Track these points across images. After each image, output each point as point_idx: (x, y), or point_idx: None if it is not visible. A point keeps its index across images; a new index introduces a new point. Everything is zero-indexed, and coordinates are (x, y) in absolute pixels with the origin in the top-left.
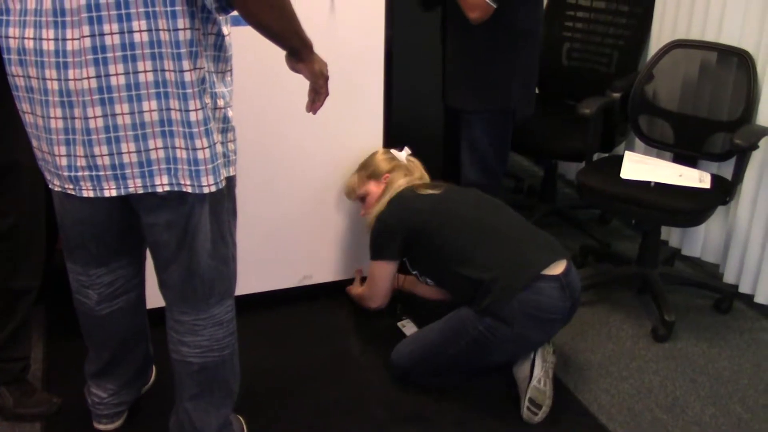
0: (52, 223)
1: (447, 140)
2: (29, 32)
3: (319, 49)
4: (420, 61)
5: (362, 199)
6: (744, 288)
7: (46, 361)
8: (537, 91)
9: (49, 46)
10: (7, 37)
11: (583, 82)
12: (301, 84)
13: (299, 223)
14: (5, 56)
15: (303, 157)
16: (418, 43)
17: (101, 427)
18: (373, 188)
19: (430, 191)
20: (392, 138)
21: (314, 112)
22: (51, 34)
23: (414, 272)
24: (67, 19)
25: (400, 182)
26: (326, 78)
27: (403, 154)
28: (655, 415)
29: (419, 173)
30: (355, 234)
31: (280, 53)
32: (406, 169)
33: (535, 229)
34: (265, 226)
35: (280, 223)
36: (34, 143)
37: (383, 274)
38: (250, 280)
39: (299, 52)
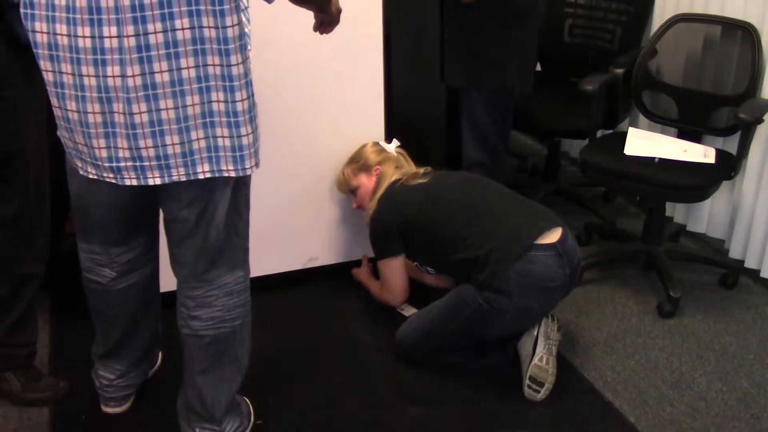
0: (57, 208)
1: (449, 119)
2: (62, 29)
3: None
4: (419, 41)
5: (353, 192)
6: (750, 263)
7: (53, 345)
8: (539, 68)
9: (85, 43)
10: (33, 31)
11: (586, 58)
12: (303, 64)
13: (304, 206)
14: (34, 50)
15: (307, 139)
16: (417, 23)
17: (109, 410)
18: (365, 181)
19: (419, 180)
20: (394, 118)
21: (321, 33)
22: (87, 31)
23: (414, 263)
24: (104, 17)
25: (391, 174)
26: (339, 10)
27: (392, 146)
28: (661, 392)
29: (408, 164)
30: (359, 216)
31: (284, 40)
32: (396, 160)
33: (528, 201)
34: (271, 209)
35: (286, 205)
36: (66, 135)
37: (393, 271)
38: (255, 263)
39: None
